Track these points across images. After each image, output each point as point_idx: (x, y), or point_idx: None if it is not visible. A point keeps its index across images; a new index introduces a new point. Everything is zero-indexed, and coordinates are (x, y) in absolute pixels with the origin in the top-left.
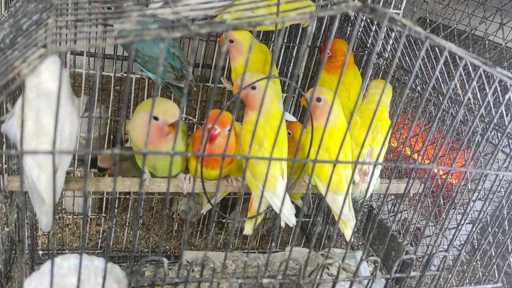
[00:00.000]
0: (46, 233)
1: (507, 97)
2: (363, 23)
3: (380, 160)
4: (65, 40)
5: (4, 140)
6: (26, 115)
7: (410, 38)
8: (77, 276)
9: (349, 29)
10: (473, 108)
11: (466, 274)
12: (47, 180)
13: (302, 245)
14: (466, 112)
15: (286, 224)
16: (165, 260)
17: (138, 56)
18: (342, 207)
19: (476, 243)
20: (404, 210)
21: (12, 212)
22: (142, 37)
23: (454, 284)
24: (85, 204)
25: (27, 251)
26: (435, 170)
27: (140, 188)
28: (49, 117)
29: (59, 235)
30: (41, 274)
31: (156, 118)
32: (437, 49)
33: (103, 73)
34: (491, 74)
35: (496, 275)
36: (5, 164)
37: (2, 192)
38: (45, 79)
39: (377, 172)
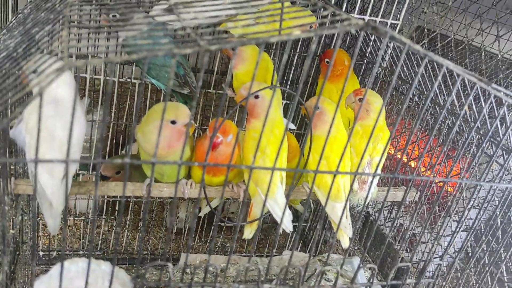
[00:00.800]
0: (46, 234)
1: (501, 111)
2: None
3: (379, 168)
4: (79, 54)
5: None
6: (35, 121)
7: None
8: (85, 279)
9: (348, 38)
10: (469, 120)
11: (460, 281)
12: (55, 185)
13: (298, 249)
14: (462, 123)
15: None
16: (170, 266)
17: (141, 62)
18: (341, 216)
19: (470, 251)
20: (400, 217)
21: (17, 215)
22: (155, 53)
23: None
24: (94, 210)
25: (28, 252)
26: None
27: (148, 195)
28: (58, 123)
29: (59, 236)
30: (49, 277)
31: (173, 122)
32: (434, 62)
33: (107, 78)
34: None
35: (489, 283)
36: (12, 166)
37: (9, 195)
38: (55, 86)
39: (376, 181)
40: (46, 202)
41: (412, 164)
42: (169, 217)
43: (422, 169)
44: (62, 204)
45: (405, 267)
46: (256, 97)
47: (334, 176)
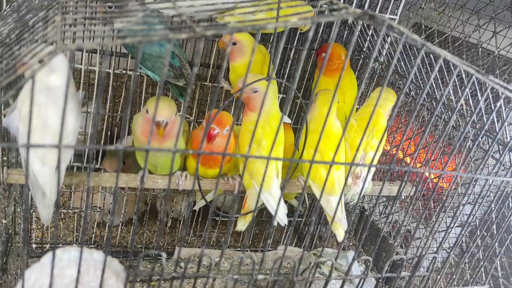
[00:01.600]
0: (40, 227)
1: (498, 104)
2: (360, 27)
3: (374, 163)
4: (72, 38)
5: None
6: (29, 109)
7: (406, 44)
8: (77, 268)
9: (346, 32)
10: (465, 114)
11: (454, 276)
12: (49, 174)
13: (293, 244)
14: (458, 118)
15: (279, 224)
16: (163, 255)
17: (135, 48)
18: (336, 208)
19: (464, 246)
20: (396, 212)
21: (10, 205)
22: (150, 38)
23: (443, 286)
24: (87, 200)
25: (21, 244)
26: (427, 174)
27: (141, 185)
28: (51, 112)
29: (53, 228)
30: (41, 265)
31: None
32: (431, 56)
33: (102, 69)
34: (483, 81)
35: (484, 278)
36: (4, 157)
37: (1, 184)
38: (48, 74)
39: (370, 176)
40: (39, 191)
41: (408, 160)
42: (163, 208)
43: (418, 165)
44: (55, 193)
45: (399, 261)
46: (255, 91)
47: (330, 167)
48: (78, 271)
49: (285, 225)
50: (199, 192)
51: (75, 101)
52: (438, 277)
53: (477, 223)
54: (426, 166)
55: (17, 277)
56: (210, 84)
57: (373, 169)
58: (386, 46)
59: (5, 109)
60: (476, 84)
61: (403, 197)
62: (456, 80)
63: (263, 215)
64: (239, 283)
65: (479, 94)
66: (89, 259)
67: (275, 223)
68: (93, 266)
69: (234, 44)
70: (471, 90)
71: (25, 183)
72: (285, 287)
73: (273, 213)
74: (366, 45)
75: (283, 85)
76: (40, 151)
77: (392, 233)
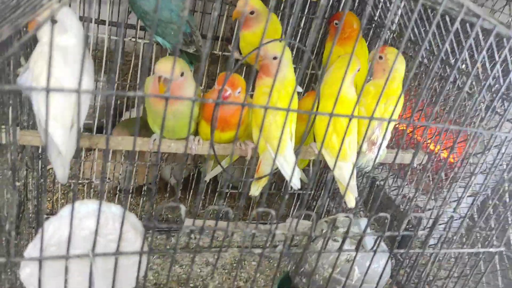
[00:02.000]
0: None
1: None
2: None
3: (389, 133)
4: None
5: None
6: (41, 69)
7: (421, 9)
8: (96, 219)
9: (355, 5)
10: (480, 78)
11: (468, 241)
12: (63, 134)
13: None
14: (474, 83)
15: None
16: (183, 207)
17: (147, 19)
18: (351, 175)
19: (476, 217)
20: (406, 185)
21: (22, 168)
22: None
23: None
24: (106, 159)
25: (32, 214)
26: (437, 148)
27: (160, 140)
28: (66, 71)
29: (63, 201)
30: (59, 218)
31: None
32: (447, 18)
33: (111, 37)
34: (498, 47)
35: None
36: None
37: (14, 145)
38: (60, 33)
39: (385, 142)
40: (54, 150)
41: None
42: (181, 165)
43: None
44: (71, 152)
45: (412, 229)
46: (275, 57)
47: (350, 119)
48: (97, 222)
49: (295, 191)
50: (212, 161)
51: (88, 62)
52: (454, 237)
53: (489, 193)
54: (435, 143)
55: (29, 244)
56: (220, 53)
57: (388, 136)
58: (399, 12)
59: (18, 69)
60: (494, 46)
61: (415, 166)
62: (473, 44)
63: (271, 187)
64: (248, 254)
65: (496, 55)
66: (107, 211)
67: (289, 188)
68: (112, 218)
69: (252, 13)
70: (488, 53)
71: (45, 132)
72: (302, 244)
73: (287, 177)
74: (377, 14)
75: (295, 55)
76: (55, 111)
77: (401, 205)
